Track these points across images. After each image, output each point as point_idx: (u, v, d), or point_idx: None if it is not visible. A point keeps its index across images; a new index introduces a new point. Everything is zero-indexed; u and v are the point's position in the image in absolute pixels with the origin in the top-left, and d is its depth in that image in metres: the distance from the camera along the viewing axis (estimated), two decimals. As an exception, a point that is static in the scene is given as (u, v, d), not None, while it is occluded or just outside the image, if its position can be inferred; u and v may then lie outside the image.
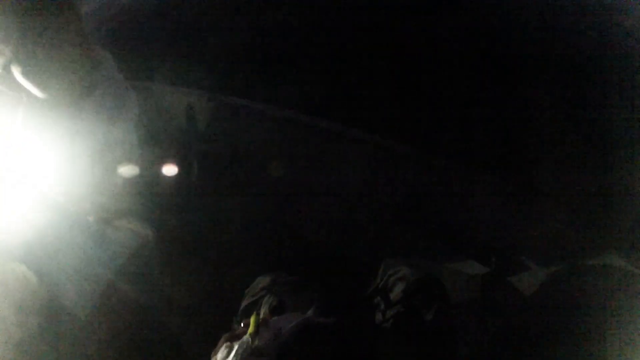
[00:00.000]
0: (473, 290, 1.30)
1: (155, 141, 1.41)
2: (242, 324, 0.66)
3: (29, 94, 0.89)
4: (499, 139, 1.72)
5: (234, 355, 0.56)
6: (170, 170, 1.41)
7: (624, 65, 1.76)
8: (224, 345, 0.60)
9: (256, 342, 0.58)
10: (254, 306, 0.91)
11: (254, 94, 1.67)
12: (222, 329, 0.70)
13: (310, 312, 0.80)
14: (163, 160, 1.40)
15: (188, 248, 1.35)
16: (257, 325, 0.60)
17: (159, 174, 1.37)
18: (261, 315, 0.64)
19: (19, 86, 0.87)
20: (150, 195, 1.31)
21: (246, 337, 0.59)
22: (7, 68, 0.82)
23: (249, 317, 0.84)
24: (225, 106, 1.60)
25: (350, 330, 0.84)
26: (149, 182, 1.31)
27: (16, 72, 0.82)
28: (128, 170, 1.19)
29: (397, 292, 0.98)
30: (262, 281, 0.97)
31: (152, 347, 1.15)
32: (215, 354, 0.61)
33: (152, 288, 1.20)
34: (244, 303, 0.95)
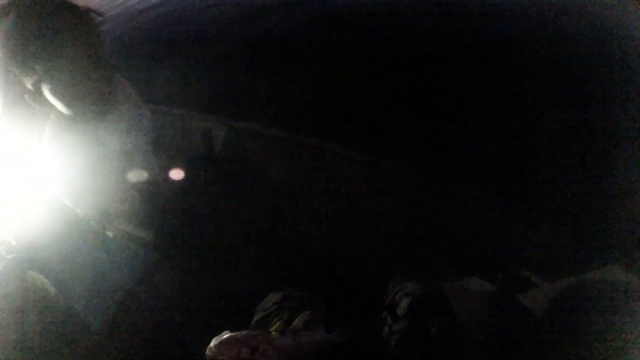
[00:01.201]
0: (479, 308, 1.30)
1: (169, 160, 1.45)
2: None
3: (55, 110, 0.95)
4: (501, 150, 1.75)
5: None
6: (181, 189, 1.45)
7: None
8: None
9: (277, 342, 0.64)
10: (264, 321, 0.92)
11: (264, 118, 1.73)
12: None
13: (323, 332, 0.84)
14: (175, 179, 1.44)
15: (195, 258, 1.38)
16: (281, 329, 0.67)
17: (171, 193, 1.40)
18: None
19: (47, 103, 0.92)
20: (163, 212, 1.35)
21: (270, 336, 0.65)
22: (37, 86, 0.88)
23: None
24: (236, 130, 1.65)
25: (360, 347, 0.86)
26: (162, 198, 1.35)
27: (45, 90, 0.88)
28: (143, 186, 1.24)
29: (402, 306, 0.99)
30: (274, 297, 0.99)
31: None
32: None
33: (167, 300, 1.23)
34: (256, 318, 0.96)
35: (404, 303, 0.99)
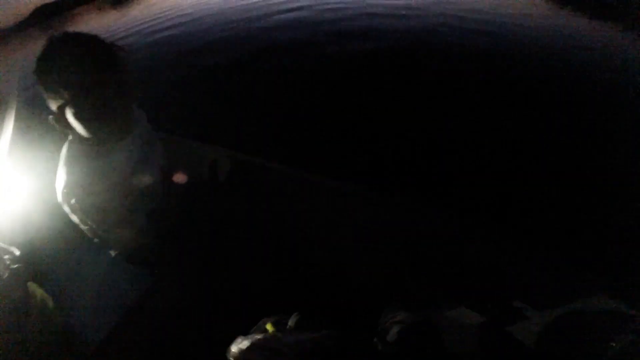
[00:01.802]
0: (470, 339, 1.31)
1: (176, 188, 1.50)
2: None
3: (74, 133, 1.02)
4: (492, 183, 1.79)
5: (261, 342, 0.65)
6: (187, 216, 1.48)
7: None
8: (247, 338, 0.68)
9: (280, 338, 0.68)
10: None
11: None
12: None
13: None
14: (181, 207, 1.49)
15: (193, 281, 1.40)
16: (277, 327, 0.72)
17: (176, 219, 1.43)
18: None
19: (67, 125, 0.99)
20: (167, 238, 1.37)
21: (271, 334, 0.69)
22: (61, 109, 0.95)
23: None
24: (245, 164, 1.71)
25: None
26: (167, 225, 1.38)
27: (69, 114, 0.95)
28: (150, 211, 1.30)
29: (393, 333, 1.01)
30: (266, 321, 1.01)
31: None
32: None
33: (166, 318, 1.24)
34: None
35: (394, 330, 1.02)
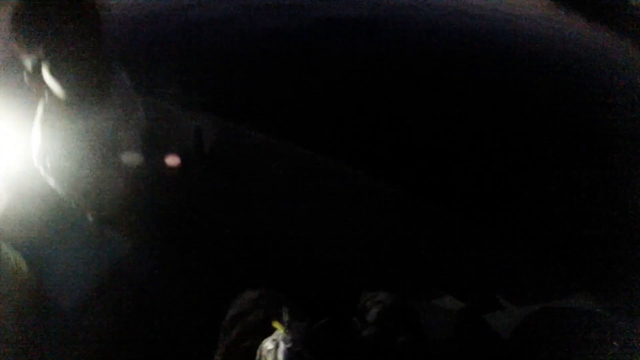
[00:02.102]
0: (448, 325, 1.33)
1: (158, 154, 1.45)
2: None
3: (50, 92, 0.96)
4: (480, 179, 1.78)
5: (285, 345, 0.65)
6: (167, 183, 1.46)
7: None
8: (269, 340, 0.67)
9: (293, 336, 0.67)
10: (239, 317, 0.93)
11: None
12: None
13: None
14: (161, 170, 1.46)
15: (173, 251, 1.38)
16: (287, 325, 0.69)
17: (156, 186, 1.40)
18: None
19: (43, 85, 0.93)
20: (146, 204, 1.35)
21: (283, 334, 0.67)
22: (36, 66, 0.89)
23: (233, 326, 0.90)
24: (228, 131, 1.66)
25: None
26: (146, 191, 1.34)
27: (44, 71, 0.90)
28: (129, 177, 1.25)
29: (372, 313, 1.01)
30: (250, 294, 1.00)
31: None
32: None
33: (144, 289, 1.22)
34: (231, 312, 0.97)
35: (374, 310, 1.02)
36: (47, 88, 0.95)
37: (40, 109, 1.03)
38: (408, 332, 0.97)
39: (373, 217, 1.50)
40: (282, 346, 0.64)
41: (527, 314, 1.27)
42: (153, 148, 1.42)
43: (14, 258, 1.17)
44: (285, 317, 0.81)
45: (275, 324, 0.71)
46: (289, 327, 0.69)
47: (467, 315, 1.31)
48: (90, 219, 1.28)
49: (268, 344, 0.67)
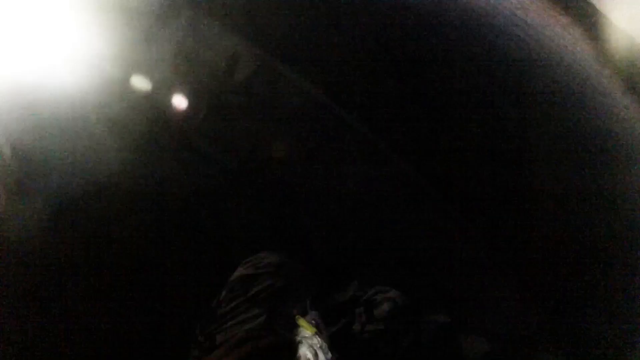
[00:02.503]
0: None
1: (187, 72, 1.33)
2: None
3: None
4: None
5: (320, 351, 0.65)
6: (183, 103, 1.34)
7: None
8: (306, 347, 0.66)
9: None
10: (252, 278, 0.85)
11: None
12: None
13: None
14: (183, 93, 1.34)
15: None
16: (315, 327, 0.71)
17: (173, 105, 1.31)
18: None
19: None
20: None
21: (313, 336, 0.69)
22: None
23: (244, 285, 0.83)
24: (265, 68, 1.49)
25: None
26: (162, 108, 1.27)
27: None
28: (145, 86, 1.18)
29: (382, 309, 0.97)
30: (269, 258, 0.92)
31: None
32: None
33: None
34: (242, 272, 0.88)
35: (385, 307, 0.98)
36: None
37: None
38: (411, 336, 0.96)
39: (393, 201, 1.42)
40: (321, 356, 0.65)
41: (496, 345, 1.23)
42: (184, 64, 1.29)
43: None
44: (312, 317, 0.81)
45: (302, 322, 0.73)
46: (318, 330, 0.70)
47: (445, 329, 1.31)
48: (93, 118, 1.15)
49: (307, 353, 0.64)
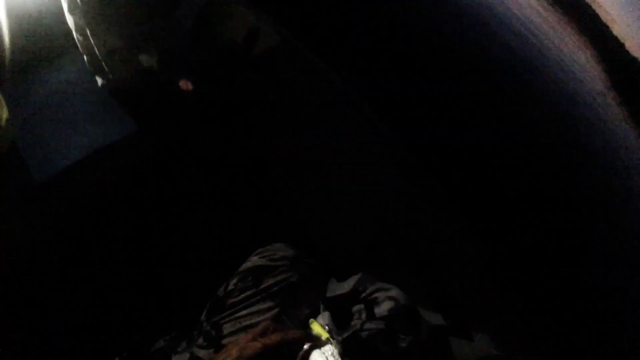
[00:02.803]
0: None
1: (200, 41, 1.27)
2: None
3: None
4: None
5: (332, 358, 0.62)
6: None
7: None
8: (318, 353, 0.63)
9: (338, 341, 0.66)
10: (266, 270, 0.82)
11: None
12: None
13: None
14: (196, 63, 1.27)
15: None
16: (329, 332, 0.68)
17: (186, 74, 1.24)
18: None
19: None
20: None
21: (328, 342, 0.66)
22: None
23: (256, 276, 0.81)
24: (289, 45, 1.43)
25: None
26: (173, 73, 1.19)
27: None
28: (161, 50, 1.10)
29: (383, 308, 0.94)
30: (284, 251, 0.89)
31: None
32: None
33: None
34: (255, 262, 0.85)
35: (386, 306, 0.95)
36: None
37: None
38: (410, 338, 0.92)
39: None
40: None
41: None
42: (198, 33, 1.22)
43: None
44: (326, 320, 0.79)
45: (315, 326, 0.69)
46: (330, 336, 0.67)
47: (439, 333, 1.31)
48: (99, 84, 1.09)
49: (317, 358, 0.62)
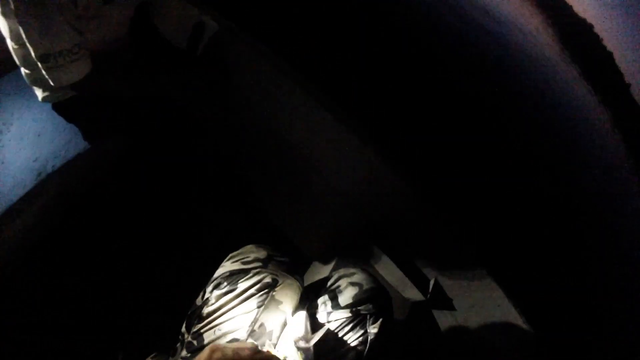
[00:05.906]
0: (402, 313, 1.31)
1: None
2: None
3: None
4: None
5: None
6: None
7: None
8: None
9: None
10: (239, 274, 0.84)
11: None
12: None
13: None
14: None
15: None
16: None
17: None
18: None
19: None
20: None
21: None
22: None
23: (231, 281, 0.83)
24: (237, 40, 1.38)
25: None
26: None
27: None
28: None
29: (347, 296, 0.95)
30: (256, 252, 0.91)
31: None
32: None
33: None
34: (228, 267, 0.87)
35: (349, 293, 0.95)
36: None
37: None
38: (380, 322, 0.92)
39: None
40: None
41: (467, 323, 1.25)
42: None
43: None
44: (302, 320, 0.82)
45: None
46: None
47: (420, 307, 1.30)
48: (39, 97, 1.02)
49: None
